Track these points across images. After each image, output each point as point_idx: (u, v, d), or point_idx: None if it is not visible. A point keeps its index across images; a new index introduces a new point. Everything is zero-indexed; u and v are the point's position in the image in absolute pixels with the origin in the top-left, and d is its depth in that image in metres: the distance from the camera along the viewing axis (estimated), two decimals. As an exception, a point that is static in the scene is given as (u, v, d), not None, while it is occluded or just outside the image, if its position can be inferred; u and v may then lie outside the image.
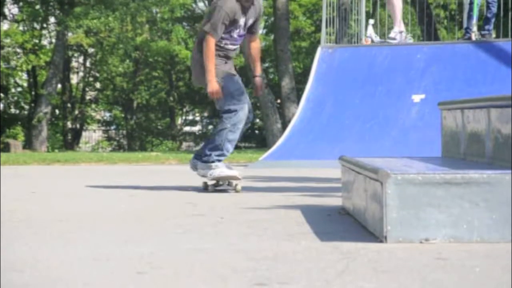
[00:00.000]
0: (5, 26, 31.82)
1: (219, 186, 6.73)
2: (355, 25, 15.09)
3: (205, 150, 6.69)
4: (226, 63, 6.67)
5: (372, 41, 13.52)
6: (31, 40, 28.75)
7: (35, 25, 30.97)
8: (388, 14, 23.95)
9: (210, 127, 40.46)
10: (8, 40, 28.55)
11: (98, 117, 40.24)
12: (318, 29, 30.74)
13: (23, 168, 12.44)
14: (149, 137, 38.19)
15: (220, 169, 6.59)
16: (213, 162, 6.61)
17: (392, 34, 13.39)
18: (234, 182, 6.69)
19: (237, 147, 34.95)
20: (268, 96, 20.99)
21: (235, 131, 6.53)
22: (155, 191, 7.12)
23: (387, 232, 3.66)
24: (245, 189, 6.86)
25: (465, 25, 13.55)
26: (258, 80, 6.88)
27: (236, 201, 5.98)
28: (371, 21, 13.65)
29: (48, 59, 29.15)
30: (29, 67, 31.02)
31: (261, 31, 35.01)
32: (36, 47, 30.00)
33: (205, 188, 6.76)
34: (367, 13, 15.41)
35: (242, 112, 6.51)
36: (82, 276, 3.01)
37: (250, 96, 9.39)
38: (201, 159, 6.70)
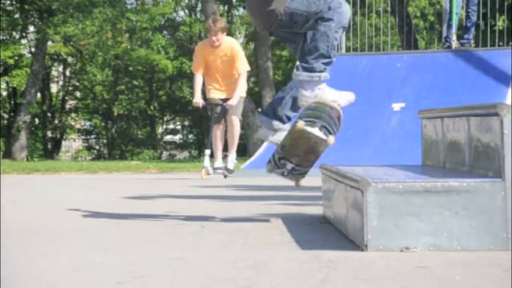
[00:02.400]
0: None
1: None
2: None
3: (306, 60, 4.87)
4: None
5: (208, 173, 9.89)
6: (14, 53, 28.53)
7: (14, 34, 30.84)
8: (369, 24, 24.06)
9: (191, 136, 40.43)
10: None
11: (78, 126, 40.11)
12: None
13: (3, 177, 12.36)
14: (129, 146, 38.08)
15: (327, 90, 4.88)
16: (321, 71, 4.83)
17: (217, 164, 9.88)
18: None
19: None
20: (249, 105, 21.00)
21: (338, 31, 4.82)
22: (135, 199, 7.10)
23: (368, 241, 3.67)
24: (226, 198, 6.86)
25: (444, 35, 13.61)
26: None
27: (217, 209, 5.97)
28: (207, 152, 10.25)
29: (29, 72, 29.03)
30: (14, 83, 30.86)
31: (241, 39, 35.10)
32: (16, 58, 29.84)
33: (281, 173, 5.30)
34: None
35: (345, 6, 4.80)
36: (62, 286, 3.00)
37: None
38: (303, 68, 4.86)
